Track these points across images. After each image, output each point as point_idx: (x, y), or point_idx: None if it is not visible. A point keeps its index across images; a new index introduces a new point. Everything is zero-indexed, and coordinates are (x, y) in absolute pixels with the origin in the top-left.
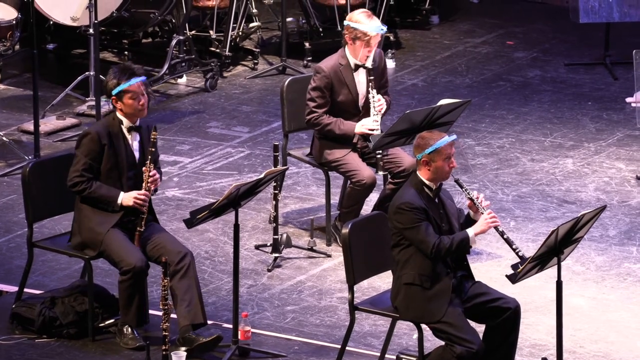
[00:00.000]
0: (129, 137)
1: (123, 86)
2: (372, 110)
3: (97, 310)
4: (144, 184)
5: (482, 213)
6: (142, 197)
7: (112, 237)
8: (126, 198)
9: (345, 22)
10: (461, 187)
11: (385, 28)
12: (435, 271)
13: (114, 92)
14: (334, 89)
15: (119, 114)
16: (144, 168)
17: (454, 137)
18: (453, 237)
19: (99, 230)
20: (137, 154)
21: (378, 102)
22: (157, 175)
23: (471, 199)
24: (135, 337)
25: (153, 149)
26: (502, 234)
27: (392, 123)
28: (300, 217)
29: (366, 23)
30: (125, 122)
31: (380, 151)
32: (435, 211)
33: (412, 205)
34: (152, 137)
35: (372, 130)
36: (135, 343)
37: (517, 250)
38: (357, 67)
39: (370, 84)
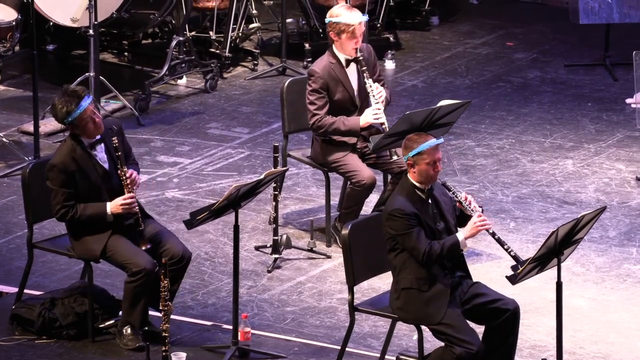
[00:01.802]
0: (93, 152)
1: (74, 114)
2: (371, 99)
3: (97, 311)
4: (124, 189)
5: (472, 215)
6: (128, 200)
7: (116, 242)
8: (114, 207)
9: (327, 20)
10: (449, 189)
11: (366, 16)
12: (432, 274)
13: (67, 121)
14: (329, 88)
15: (77, 135)
16: (119, 172)
17: (440, 140)
18: (443, 243)
19: (95, 247)
20: (107, 165)
21: (377, 91)
22: (134, 175)
23: (460, 202)
24: (135, 338)
25: (119, 153)
26: (493, 234)
27: (392, 124)
28: (300, 218)
29: (347, 14)
30: (86, 141)
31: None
32: (428, 213)
33: (404, 212)
34: (114, 143)
35: (378, 118)
36: (135, 344)
37: (509, 250)
38: (347, 62)
39: (365, 74)
